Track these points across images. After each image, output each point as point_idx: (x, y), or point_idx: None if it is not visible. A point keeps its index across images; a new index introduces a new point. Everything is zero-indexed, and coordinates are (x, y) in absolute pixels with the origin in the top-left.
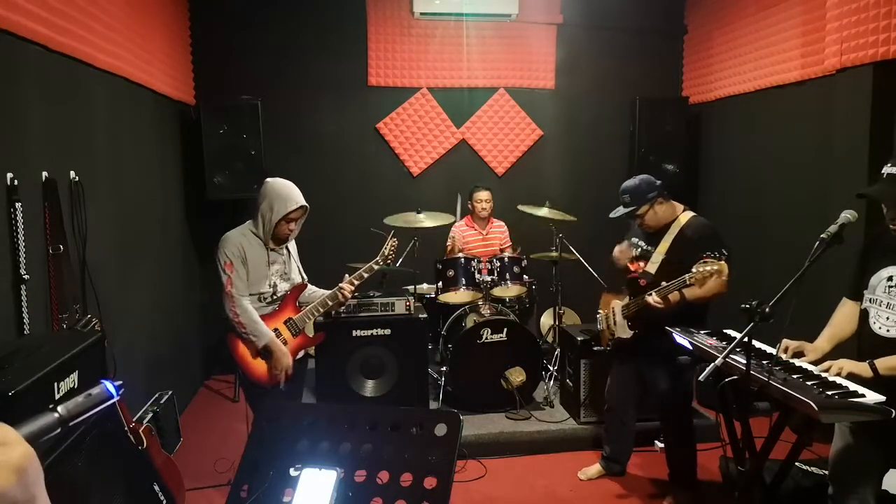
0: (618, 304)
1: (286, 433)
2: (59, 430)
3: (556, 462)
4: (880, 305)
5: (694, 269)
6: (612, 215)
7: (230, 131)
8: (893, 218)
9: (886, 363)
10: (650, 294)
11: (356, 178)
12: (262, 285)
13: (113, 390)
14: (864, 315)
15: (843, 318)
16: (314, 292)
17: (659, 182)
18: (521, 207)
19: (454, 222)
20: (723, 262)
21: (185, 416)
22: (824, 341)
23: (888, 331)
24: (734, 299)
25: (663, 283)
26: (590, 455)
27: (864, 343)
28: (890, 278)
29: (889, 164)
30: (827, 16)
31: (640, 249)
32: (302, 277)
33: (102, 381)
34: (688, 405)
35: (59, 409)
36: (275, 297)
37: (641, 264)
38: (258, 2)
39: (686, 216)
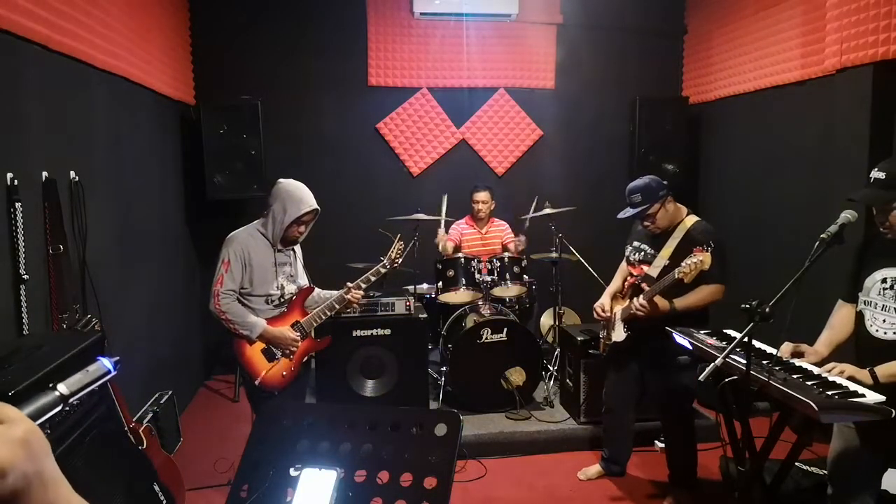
0: (619, 308)
1: (286, 433)
2: (60, 407)
3: (556, 462)
4: (875, 308)
5: (682, 264)
6: (620, 216)
7: (230, 131)
8: (883, 221)
9: (886, 371)
10: (637, 298)
11: (356, 178)
12: (270, 287)
13: (110, 365)
14: (859, 317)
15: (841, 321)
16: (320, 293)
17: (665, 182)
18: (522, 217)
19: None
20: (707, 254)
21: (185, 416)
22: (823, 346)
23: (885, 333)
24: (734, 299)
25: (644, 287)
26: (590, 455)
27: (861, 346)
28: (884, 280)
29: (876, 169)
30: (827, 16)
31: (643, 254)
32: (308, 280)
33: (99, 357)
34: (688, 405)
35: (60, 387)
36: (282, 300)
37: (644, 268)
38: (258, 2)
39: (691, 220)
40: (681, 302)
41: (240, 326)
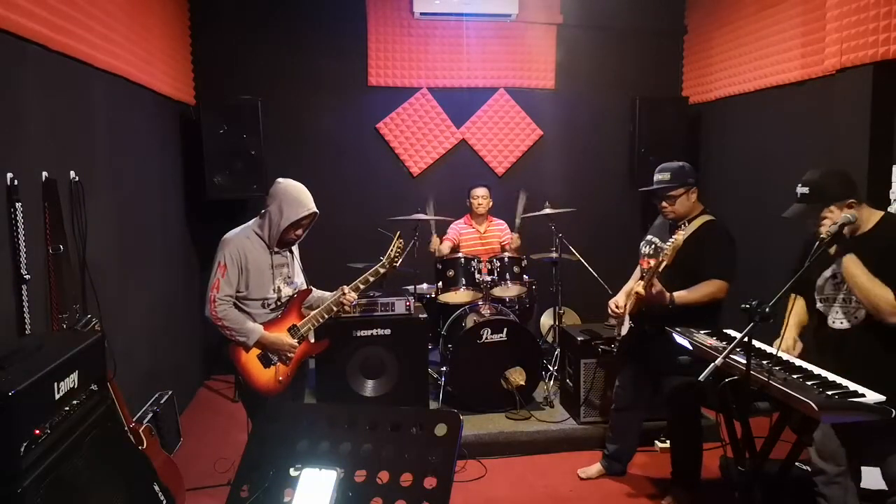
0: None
1: (286, 433)
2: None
3: (556, 462)
4: (834, 302)
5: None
6: (643, 189)
7: (230, 131)
8: (816, 232)
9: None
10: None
11: (356, 178)
12: (267, 290)
13: None
14: (821, 316)
15: (801, 309)
16: (316, 294)
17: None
18: (521, 217)
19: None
20: (682, 232)
21: (185, 416)
22: (795, 334)
23: (842, 323)
24: (734, 299)
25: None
26: (589, 455)
27: (822, 341)
28: (833, 276)
29: (800, 185)
30: (827, 16)
31: (653, 247)
32: (305, 281)
33: None
34: (691, 404)
35: None
36: (279, 303)
37: (652, 262)
38: (258, 2)
39: (704, 218)
40: (681, 295)
41: (237, 333)
